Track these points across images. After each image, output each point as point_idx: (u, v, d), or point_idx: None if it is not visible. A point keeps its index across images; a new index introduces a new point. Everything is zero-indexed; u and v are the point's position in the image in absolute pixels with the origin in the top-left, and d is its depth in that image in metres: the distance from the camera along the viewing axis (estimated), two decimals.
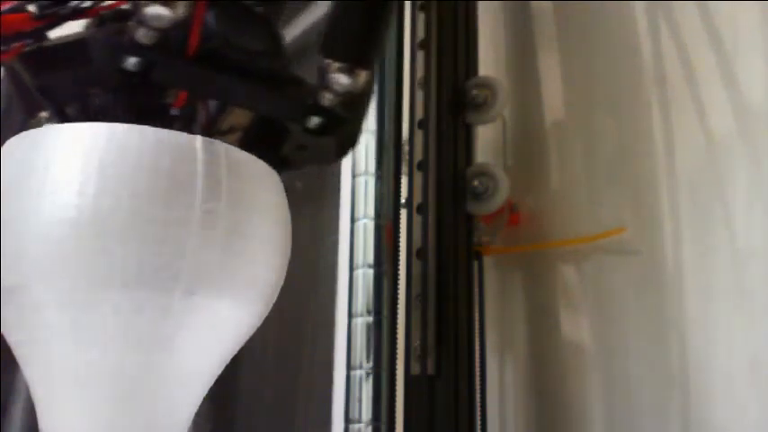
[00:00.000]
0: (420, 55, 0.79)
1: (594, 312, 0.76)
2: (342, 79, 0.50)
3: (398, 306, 0.71)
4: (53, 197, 0.40)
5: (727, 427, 0.64)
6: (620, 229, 0.74)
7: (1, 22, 0.46)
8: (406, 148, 0.77)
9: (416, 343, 0.71)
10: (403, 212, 0.75)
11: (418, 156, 0.76)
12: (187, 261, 0.41)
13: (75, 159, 0.41)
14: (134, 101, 0.48)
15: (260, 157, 0.46)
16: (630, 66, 0.78)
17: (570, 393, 0.76)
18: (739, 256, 0.66)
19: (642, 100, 0.76)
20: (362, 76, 0.50)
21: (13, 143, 0.43)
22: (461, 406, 0.70)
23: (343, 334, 0.71)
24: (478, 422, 0.72)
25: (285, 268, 0.49)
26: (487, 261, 0.81)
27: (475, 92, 0.79)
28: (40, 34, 0.48)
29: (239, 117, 0.51)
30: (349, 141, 0.55)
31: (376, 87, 0.74)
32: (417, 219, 0.75)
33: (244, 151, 0.45)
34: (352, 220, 0.72)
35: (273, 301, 0.49)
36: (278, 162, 0.49)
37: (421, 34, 0.80)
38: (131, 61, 0.45)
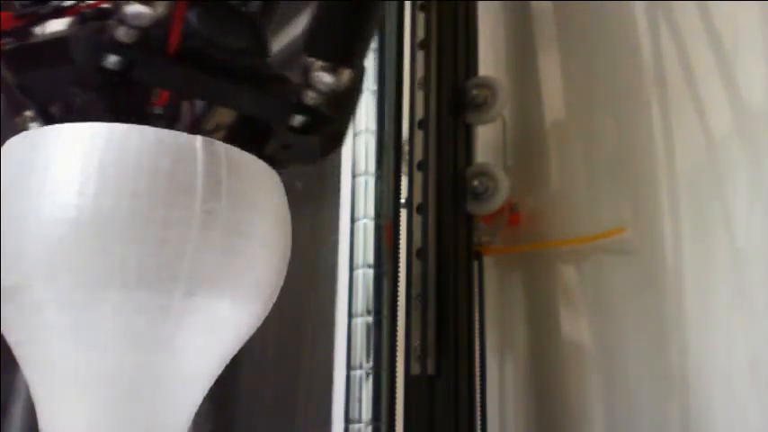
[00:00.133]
0: (420, 55, 0.79)
1: (594, 312, 0.76)
2: (325, 78, 0.49)
3: (398, 306, 0.71)
4: (53, 197, 0.40)
5: (727, 427, 0.64)
6: (620, 229, 0.74)
7: None
8: (406, 148, 0.77)
9: (416, 343, 0.71)
10: (403, 212, 0.75)
11: (418, 156, 0.76)
12: (187, 261, 0.41)
13: (75, 159, 0.41)
14: (117, 100, 0.47)
15: None
16: (630, 66, 0.78)
17: (570, 393, 0.76)
18: (739, 256, 0.66)
19: (642, 100, 0.76)
20: (346, 74, 0.50)
21: (13, 143, 0.43)
22: (461, 406, 0.70)
23: (343, 334, 0.72)
24: (478, 422, 0.72)
25: (285, 268, 0.49)
26: (487, 261, 0.81)
27: (475, 92, 0.79)
28: (20, 33, 0.48)
29: (223, 116, 0.51)
30: (335, 140, 0.55)
31: (376, 87, 0.74)
32: (417, 219, 0.75)
33: (244, 151, 0.45)
34: (352, 220, 0.72)
35: (273, 302, 0.49)
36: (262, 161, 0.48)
37: (421, 34, 0.80)
38: (112, 60, 0.44)
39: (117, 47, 0.44)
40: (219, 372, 0.47)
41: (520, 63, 0.89)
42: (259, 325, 0.48)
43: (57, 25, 0.48)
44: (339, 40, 0.51)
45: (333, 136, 0.54)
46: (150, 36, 0.45)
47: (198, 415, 0.46)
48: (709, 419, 0.65)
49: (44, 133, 0.42)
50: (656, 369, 0.70)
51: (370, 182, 0.72)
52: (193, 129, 0.49)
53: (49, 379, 0.42)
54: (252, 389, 1.14)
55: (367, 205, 0.71)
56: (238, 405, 1.14)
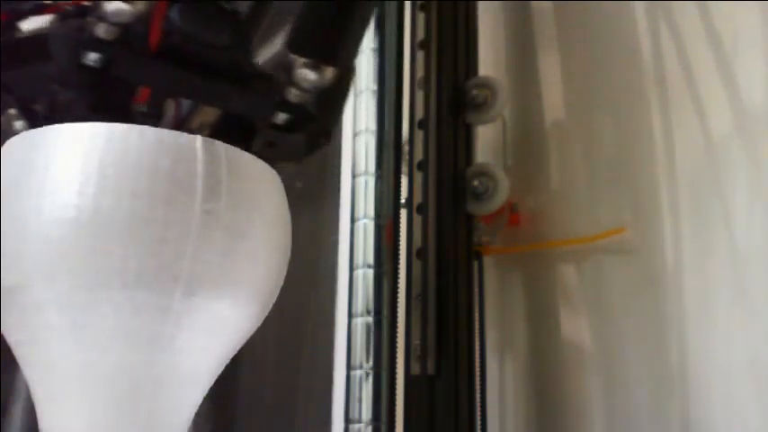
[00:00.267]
0: (420, 55, 0.79)
1: (594, 312, 0.76)
2: (308, 75, 0.49)
3: (398, 306, 0.71)
4: (53, 197, 0.40)
5: (727, 426, 0.64)
6: (619, 229, 0.74)
7: None
8: (406, 148, 0.77)
9: (416, 343, 0.71)
10: (403, 212, 0.75)
11: (418, 156, 0.76)
12: (187, 261, 0.41)
13: (75, 159, 0.41)
14: (98, 97, 0.47)
15: None
16: (630, 66, 0.78)
17: (570, 393, 0.76)
18: (739, 256, 0.66)
19: (642, 100, 0.76)
20: (329, 72, 0.50)
21: (13, 143, 0.43)
22: (461, 406, 0.70)
23: (343, 334, 0.72)
24: (478, 422, 0.72)
25: (285, 268, 0.49)
26: (487, 261, 0.81)
27: (475, 92, 0.79)
28: (1, 30, 0.48)
29: (207, 114, 0.51)
30: (320, 138, 0.54)
31: (376, 87, 0.74)
32: (417, 219, 0.75)
33: (244, 152, 0.45)
34: (352, 220, 0.72)
35: (273, 302, 0.49)
36: None
37: (421, 34, 0.80)
38: (92, 57, 0.44)
39: (97, 44, 0.44)
40: (219, 372, 0.47)
41: (520, 63, 0.89)
42: (259, 325, 0.48)
43: (37, 22, 0.48)
44: (322, 38, 0.51)
45: (318, 134, 0.54)
46: (131, 33, 0.45)
47: (198, 415, 0.46)
48: (709, 419, 0.65)
49: (44, 133, 0.42)
50: (656, 369, 0.70)
51: (370, 182, 0.72)
52: (178, 127, 0.49)
53: (49, 379, 0.42)
54: (252, 389, 1.14)
55: (367, 205, 0.71)
56: (238, 405, 1.14)
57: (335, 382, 0.95)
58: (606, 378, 0.74)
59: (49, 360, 0.42)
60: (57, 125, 0.42)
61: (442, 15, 0.80)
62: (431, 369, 0.70)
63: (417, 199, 0.75)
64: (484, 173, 0.77)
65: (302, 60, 0.49)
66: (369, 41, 0.75)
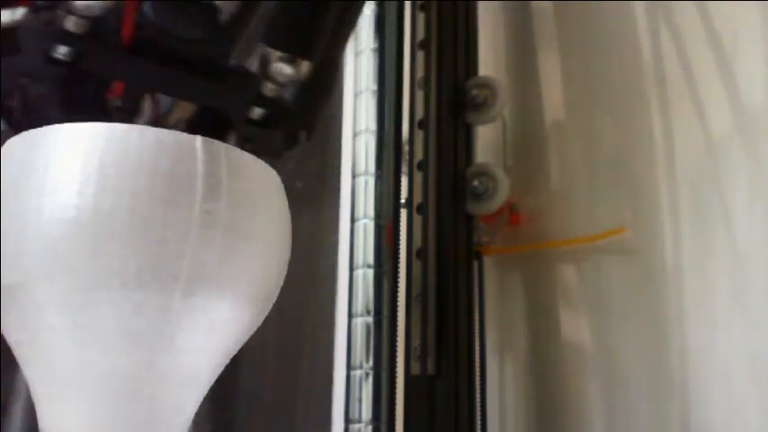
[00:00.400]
0: (420, 55, 0.79)
1: (594, 312, 0.76)
2: (284, 69, 0.49)
3: (398, 306, 0.71)
4: (53, 197, 0.40)
5: (727, 426, 0.64)
6: (619, 230, 0.74)
7: None
8: (406, 148, 0.77)
9: (416, 343, 0.71)
10: (403, 212, 0.75)
11: (418, 156, 0.76)
12: (187, 261, 0.41)
13: (75, 159, 0.41)
14: (71, 91, 0.47)
15: None
16: (630, 66, 0.78)
17: (570, 393, 0.76)
18: (739, 256, 0.66)
19: (642, 100, 0.76)
20: (304, 66, 0.49)
21: (13, 143, 0.43)
22: (461, 406, 0.70)
23: (343, 334, 0.71)
24: (478, 422, 0.72)
25: (285, 268, 0.49)
26: (487, 261, 0.81)
27: (475, 92, 0.79)
28: None
29: (182, 109, 0.51)
30: (299, 134, 0.54)
31: (376, 87, 0.74)
32: (417, 219, 0.75)
33: (244, 152, 0.45)
34: (352, 220, 0.72)
35: (273, 302, 0.49)
36: None
37: (421, 34, 0.80)
38: (61, 50, 0.44)
39: (66, 37, 0.44)
40: (219, 372, 0.47)
41: (520, 63, 0.89)
42: (259, 325, 0.48)
43: (6, 15, 0.47)
44: (298, 32, 0.50)
45: (297, 129, 0.53)
46: (102, 27, 0.45)
47: (198, 415, 0.46)
48: (709, 419, 0.65)
49: (44, 133, 0.42)
50: (656, 369, 0.70)
51: (370, 182, 0.72)
52: (155, 122, 0.49)
53: (48, 379, 0.42)
54: (252, 389, 1.14)
55: (367, 205, 0.71)
56: (238, 405, 1.14)
57: (335, 382, 0.95)
58: (606, 378, 0.74)
59: (48, 360, 0.42)
60: (57, 125, 0.42)
61: (442, 15, 0.80)
62: (431, 369, 0.70)
63: (417, 199, 0.75)
64: (484, 173, 0.77)
65: (278, 54, 0.49)
66: (369, 41, 0.75)
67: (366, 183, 0.72)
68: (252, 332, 0.48)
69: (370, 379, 0.66)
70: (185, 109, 0.51)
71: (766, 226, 0.65)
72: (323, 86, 0.54)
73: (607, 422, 0.73)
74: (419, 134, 0.77)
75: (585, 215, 0.79)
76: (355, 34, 0.77)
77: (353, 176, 0.73)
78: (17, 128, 0.44)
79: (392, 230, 0.72)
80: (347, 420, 0.67)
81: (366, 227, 0.71)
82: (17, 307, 0.41)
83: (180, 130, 0.49)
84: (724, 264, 0.67)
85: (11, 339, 0.43)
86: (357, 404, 0.66)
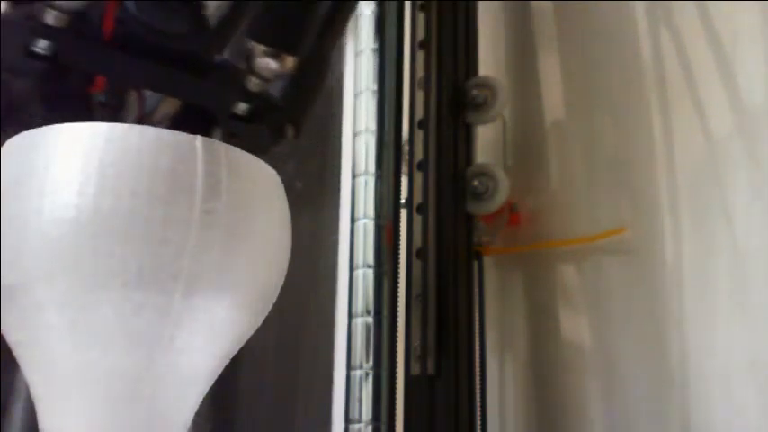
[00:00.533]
0: (420, 55, 0.79)
1: (594, 312, 0.76)
2: (269, 64, 0.48)
3: (398, 306, 0.71)
4: (53, 197, 0.40)
5: (727, 427, 0.64)
6: (619, 230, 0.74)
7: None
8: (406, 148, 0.77)
9: (416, 343, 0.71)
10: (403, 212, 0.75)
11: (418, 156, 0.76)
12: (187, 261, 0.41)
13: (75, 159, 0.41)
14: (53, 86, 0.46)
15: None
16: (630, 66, 0.78)
17: (570, 393, 0.76)
18: (739, 256, 0.66)
19: (642, 100, 0.76)
20: (289, 61, 0.49)
21: (13, 143, 0.43)
22: (461, 406, 0.70)
23: (343, 334, 0.71)
24: (478, 422, 0.72)
25: (285, 268, 0.49)
26: (487, 261, 0.81)
27: (475, 92, 0.79)
28: None
29: (167, 104, 0.50)
30: (287, 129, 0.53)
31: (376, 87, 0.74)
32: (417, 219, 0.75)
33: (244, 152, 0.45)
34: (352, 220, 0.72)
35: (273, 302, 0.49)
36: None
37: (421, 34, 0.80)
38: (41, 44, 0.43)
39: (46, 31, 0.43)
40: (219, 372, 0.47)
41: (520, 63, 0.89)
42: (259, 325, 0.48)
43: None
44: (282, 26, 0.50)
45: (283, 125, 0.53)
46: (84, 20, 0.44)
47: (198, 415, 0.46)
48: (709, 420, 0.65)
49: (44, 133, 0.42)
50: (656, 369, 0.70)
51: (370, 182, 0.72)
52: (140, 118, 0.48)
53: (48, 379, 0.42)
54: (252, 389, 1.14)
55: (367, 205, 0.71)
56: (238, 405, 1.14)
57: (335, 382, 0.95)
58: (606, 378, 0.74)
59: (48, 360, 0.42)
60: (57, 125, 0.42)
61: (442, 15, 0.80)
62: (431, 369, 0.70)
63: (417, 199, 0.75)
64: (484, 173, 0.77)
65: (262, 49, 0.48)
66: (369, 41, 0.75)
67: (366, 183, 0.72)
68: (252, 332, 0.48)
69: (370, 379, 0.66)
70: (173, 105, 0.50)
71: (766, 226, 0.65)
72: (311, 82, 0.53)
73: (607, 422, 0.73)
74: (419, 134, 0.77)
75: (585, 215, 0.79)
76: (355, 34, 0.77)
77: (353, 176, 0.73)
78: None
79: (392, 230, 0.72)
80: (347, 420, 0.67)
81: (366, 227, 0.71)
82: (17, 307, 0.41)
83: (164, 125, 0.49)
84: (724, 264, 0.67)
85: (11, 339, 0.43)
86: (357, 404, 0.66)
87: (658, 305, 0.71)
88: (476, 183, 0.76)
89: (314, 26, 0.54)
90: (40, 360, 0.42)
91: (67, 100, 0.46)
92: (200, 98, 0.49)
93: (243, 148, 0.48)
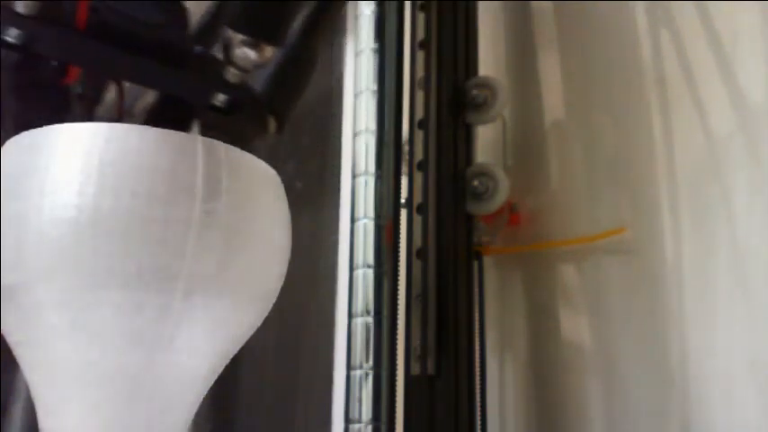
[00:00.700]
0: (420, 55, 0.79)
1: (594, 312, 0.76)
2: (247, 54, 0.48)
3: (398, 306, 0.71)
4: (53, 197, 0.40)
5: (727, 427, 0.64)
6: (619, 230, 0.74)
7: None
8: (406, 148, 0.77)
9: (416, 343, 0.71)
10: (403, 212, 0.74)
11: (418, 156, 0.76)
12: (187, 261, 0.41)
13: (75, 159, 0.41)
14: (24, 76, 0.46)
15: None
16: (630, 66, 0.78)
17: (570, 393, 0.76)
18: (739, 256, 0.66)
19: (642, 100, 0.76)
20: (268, 51, 0.48)
21: (13, 143, 0.43)
22: (461, 406, 0.70)
23: (343, 334, 0.71)
24: (478, 422, 0.72)
25: (285, 268, 0.49)
26: (487, 261, 0.81)
27: (475, 92, 0.79)
28: None
29: (151, 97, 0.50)
30: (269, 123, 0.52)
31: (376, 87, 0.74)
32: (417, 219, 0.75)
33: (244, 152, 0.45)
34: (352, 220, 0.72)
35: (273, 302, 0.49)
36: None
37: (421, 34, 0.80)
38: (12, 33, 0.42)
39: (16, 19, 0.42)
40: (220, 371, 0.47)
41: (520, 63, 0.89)
42: (259, 325, 0.48)
43: None
44: (261, 15, 0.48)
45: (264, 117, 0.52)
46: (56, 8, 0.43)
47: (198, 415, 0.46)
48: (709, 420, 0.65)
49: (44, 133, 0.42)
50: (656, 369, 0.70)
51: (370, 182, 0.71)
52: (121, 112, 0.48)
53: (48, 379, 0.42)
54: (252, 389, 1.14)
55: (367, 205, 0.71)
56: (238, 405, 1.14)
57: (335, 382, 0.95)
58: (606, 378, 0.74)
59: (49, 360, 0.42)
60: (57, 125, 0.42)
61: (442, 15, 0.80)
62: (431, 369, 0.70)
63: (417, 199, 0.75)
64: (484, 173, 0.77)
65: (240, 38, 0.47)
66: (369, 41, 0.75)
67: (366, 183, 0.72)
68: (252, 332, 0.48)
69: (370, 379, 0.66)
70: (149, 95, 0.49)
71: (766, 226, 0.65)
72: (295, 75, 0.53)
73: (607, 422, 0.73)
74: (419, 134, 0.77)
75: (585, 215, 0.79)
76: (355, 34, 0.77)
77: (353, 176, 0.73)
78: None
79: (392, 230, 0.72)
80: (347, 420, 0.67)
81: (366, 227, 0.71)
82: (17, 307, 0.41)
83: (142, 117, 0.48)
84: (724, 264, 0.67)
85: (11, 339, 0.43)
86: (357, 404, 0.66)
87: (658, 305, 0.71)
88: (476, 183, 0.76)
89: (295, 16, 0.53)
90: (40, 360, 0.42)
91: (41, 91, 0.45)
92: (176, 89, 0.48)
93: (222, 140, 0.47)
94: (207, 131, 0.49)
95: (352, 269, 0.70)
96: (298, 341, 1.10)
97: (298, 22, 0.55)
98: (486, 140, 0.85)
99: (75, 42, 0.44)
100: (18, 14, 0.42)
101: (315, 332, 1.04)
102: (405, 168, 0.76)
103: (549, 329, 0.79)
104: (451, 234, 0.74)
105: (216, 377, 0.47)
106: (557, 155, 0.84)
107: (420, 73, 0.79)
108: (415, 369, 0.71)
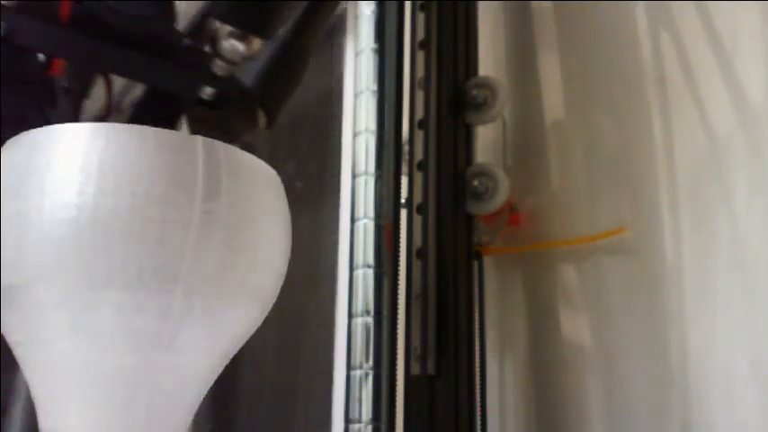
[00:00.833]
0: (420, 55, 0.79)
1: (594, 312, 0.76)
2: (236, 46, 0.47)
3: (398, 306, 0.71)
4: (53, 196, 0.40)
5: (727, 427, 0.64)
6: (619, 230, 0.74)
7: None
8: (406, 148, 0.77)
9: (416, 343, 0.71)
10: (403, 212, 0.75)
11: (418, 156, 0.76)
12: (187, 261, 0.41)
13: (75, 159, 0.41)
14: (7, 69, 0.45)
15: None
16: (630, 66, 0.78)
17: (570, 393, 0.76)
18: (739, 255, 0.66)
19: (642, 100, 0.76)
20: (256, 42, 0.47)
21: (13, 143, 0.43)
22: (461, 406, 0.70)
23: (343, 334, 0.71)
24: (478, 422, 0.72)
25: (285, 268, 0.49)
26: (487, 261, 0.81)
27: (475, 92, 0.79)
28: None
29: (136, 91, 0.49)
30: (258, 117, 0.52)
31: (376, 87, 0.74)
32: (417, 219, 0.75)
33: (245, 152, 0.45)
34: (352, 220, 0.72)
35: (274, 301, 0.49)
36: None
37: (421, 34, 0.80)
38: None
39: None
40: (219, 372, 0.47)
41: (520, 63, 0.89)
42: (259, 325, 0.48)
43: None
44: (249, 6, 0.48)
45: (253, 111, 0.51)
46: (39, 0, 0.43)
47: (198, 415, 0.46)
48: (709, 420, 0.65)
49: (45, 133, 0.42)
50: (656, 369, 0.70)
51: (370, 182, 0.72)
52: (109, 106, 0.47)
53: (49, 379, 0.42)
54: (252, 389, 1.14)
55: (367, 205, 0.71)
56: (238, 405, 1.14)
57: (335, 382, 0.95)
58: (606, 378, 0.74)
59: (49, 360, 0.42)
60: (57, 125, 0.42)
61: (442, 15, 0.80)
62: (431, 369, 0.70)
63: (417, 199, 0.75)
64: (484, 173, 0.77)
65: (228, 30, 0.47)
66: (369, 41, 0.75)
67: (366, 183, 0.72)
68: (252, 332, 0.48)
69: (370, 379, 0.66)
70: (141, 90, 0.49)
71: (766, 226, 0.65)
72: (286, 69, 0.52)
73: (607, 422, 0.73)
74: (419, 134, 0.77)
75: (585, 215, 0.79)
76: (355, 34, 0.77)
77: (353, 176, 0.73)
78: None
79: (392, 230, 0.72)
80: (347, 420, 0.67)
81: (366, 227, 0.71)
82: (17, 307, 0.41)
83: (129, 111, 0.47)
84: (724, 264, 0.67)
85: (11, 339, 0.43)
86: (357, 404, 0.66)
87: (658, 305, 0.71)
88: (476, 183, 0.76)
89: (284, 8, 0.52)
90: (40, 360, 0.42)
91: (26, 85, 0.45)
92: (163, 82, 0.47)
93: (210, 134, 0.46)
94: (195, 125, 0.49)
95: (352, 269, 0.70)
96: (298, 341, 1.10)
97: (290, 16, 0.54)
98: (486, 140, 0.85)
99: (59, 34, 0.44)
100: (0, 6, 0.42)
101: (315, 332, 1.04)
102: (405, 168, 0.76)
103: (549, 329, 0.79)
104: (451, 234, 0.74)
105: (216, 377, 0.47)
106: (557, 155, 0.84)
107: (420, 73, 0.79)
108: (415, 369, 0.71)
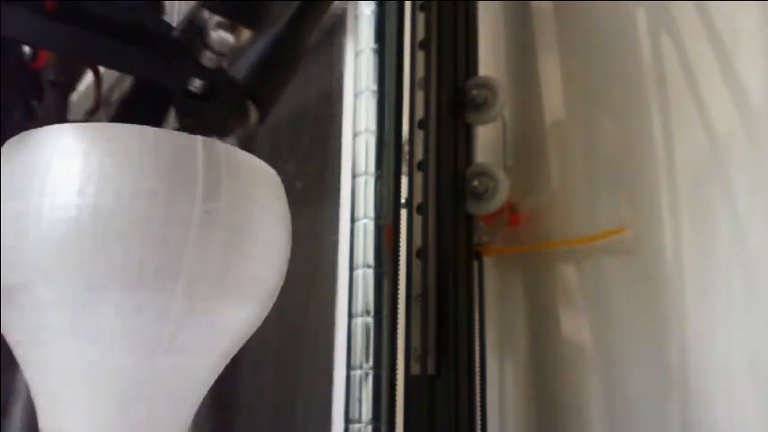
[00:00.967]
0: (420, 55, 0.79)
1: (594, 312, 0.76)
2: (225, 37, 0.46)
3: (398, 306, 0.71)
4: (53, 197, 0.40)
5: (727, 427, 0.64)
6: (620, 230, 0.74)
7: None
8: (406, 148, 0.77)
9: (416, 343, 0.71)
10: (403, 212, 0.75)
11: (418, 156, 0.76)
12: (187, 261, 0.41)
13: (75, 159, 0.41)
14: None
15: None
16: (630, 66, 0.78)
17: (570, 393, 0.76)
18: (739, 255, 0.66)
19: (642, 100, 0.76)
20: (245, 33, 0.47)
21: (13, 143, 0.43)
22: (461, 406, 0.70)
23: (343, 334, 0.71)
24: (478, 422, 0.72)
25: (285, 268, 0.49)
26: (487, 261, 0.81)
27: (475, 92, 0.79)
28: None
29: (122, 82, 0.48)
30: (250, 111, 0.50)
31: (376, 87, 0.74)
32: (417, 219, 0.75)
33: (245, 152, 0.45)
34: (352, 220, 0.72)
35: (273, 301, 0.49)
36: None
37: (421, 34, 0.80)
38: None
39: None
40: (220, 371, 0.47)
41: (520, 63, 0.89)
42: (259, 325, 0.48)
43: None
44: None
45: (243, 104, 0.50)
46: None
47: (198, 415, 0.46)
48: (709, 420, 0.65)
49: (45, 133, 0.42)
50: (656, 369, 0.70)
51: (370, 182, 0.72)
52: (98, 100, 0.46)
53: (49, 379, 0.42)
54: (252, 389, 1.14)
55: (367, 205, 0.71)
56: (238, 405, 1.14)
57: (335, 382, 0.95)
58: (606, 378, 0.74)
59: (49, 360, 0.42)
60: (57, 125, 0.42)
61: (442, 15, 0.80)
62: (431, 369, 0.70)
63: (417, 199, 0.75)
64: (484, 173, 0.77)
65: (216, 20, 0.46)
66: (369, 41, 0.75)
67: (366, 183, 0.72)
68: (252, 332, 0.48)
69: (370, 379, 0.66)
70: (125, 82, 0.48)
71: (767, 225, 0.65)
72: (279, 61, 0.51)
73: (607, 422, 0.73)
74: (419, 134, 0.77)
75: (585, 215, 0.79)
76: (355, 34, 0.77)
77: (353, 176, 0.73)
78: None
79: (392, 230, 0.72)
80: (347, 420, 0.67)
81: (366, 227, 0.71)
82: (17, 307, 0.41)
83: (116, 105, 0.47)
84: (724, 263, 0.67)
85: (11, 339, 0.43)
86: (357, 404, 0.66)
87: (658, 305, 0.71)
88: (476, 183, 0.76)
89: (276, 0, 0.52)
90: (40, 360, 0.42)
91: (11, 77, 0.44)
92: (150, 73, 0.46)
93: (199, 128, 0.46)
94: (182, 119, 0.48)
95: (352, 269, 0.70)
96: (298, 341, 1.10)
97: (284, 10, 0.54)
98: (486, 140, 0.85)
99: (45, 25, 0.43)
100: None
101: (315, 332, 1.04)
102: (405, 168, 0.76)
103: (549, 329, 0.79)
104: (451, 234, 0.74)
105: (216, 377, 0.47)
106: (557, 155, 0.84)
107: (420, 73, 0.79)
108: (415, 369, 0.71)
